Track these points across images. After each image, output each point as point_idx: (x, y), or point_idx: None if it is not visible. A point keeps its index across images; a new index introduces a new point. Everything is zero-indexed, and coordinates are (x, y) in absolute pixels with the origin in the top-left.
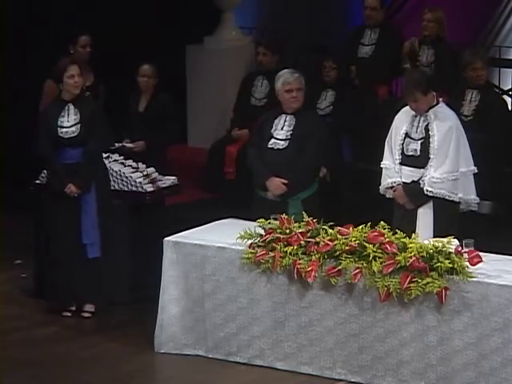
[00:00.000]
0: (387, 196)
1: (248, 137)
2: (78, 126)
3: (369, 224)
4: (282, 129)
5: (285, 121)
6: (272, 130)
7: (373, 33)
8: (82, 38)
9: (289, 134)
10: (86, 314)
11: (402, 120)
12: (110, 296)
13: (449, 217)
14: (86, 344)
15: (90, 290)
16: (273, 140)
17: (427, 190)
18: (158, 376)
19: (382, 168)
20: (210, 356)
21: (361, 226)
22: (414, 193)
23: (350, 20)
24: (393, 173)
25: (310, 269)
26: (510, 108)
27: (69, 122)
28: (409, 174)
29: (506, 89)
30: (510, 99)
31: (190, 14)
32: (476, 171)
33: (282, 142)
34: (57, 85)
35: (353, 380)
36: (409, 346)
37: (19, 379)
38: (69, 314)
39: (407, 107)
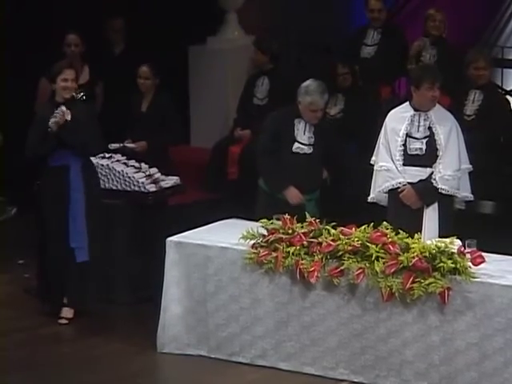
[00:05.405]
0: (380, 202)
1: (251, 137)
2: None
3: (371, 224)
4: (304, 133)
5: (305, 125)
6: (295, 134)
7: (376, 33)
8: (69, 36)
9: (312, 139)
10: (63, 321)
11: (398, 120)
12: (110, 296)
13: (451, 214)
14: (88, 345)
15: (72, 295)
16: (297, 144)
17: (442, 188)
18: (161, 376)
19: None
20: (213, 356)
21: (363, 227)
22: (426, 191)
23: (352, 20)
24: (396, 174)
25: (312, 269)
26: None
27: None
28: (415, 174)
29: (508, 89)
30: None
31: (193, 14)
32: (472, 169)
33: (307, 148)
34: (50, 84)
35: (356, 380)
36: (411, 346)
37: (21, 380)
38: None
39: (396, 109)
